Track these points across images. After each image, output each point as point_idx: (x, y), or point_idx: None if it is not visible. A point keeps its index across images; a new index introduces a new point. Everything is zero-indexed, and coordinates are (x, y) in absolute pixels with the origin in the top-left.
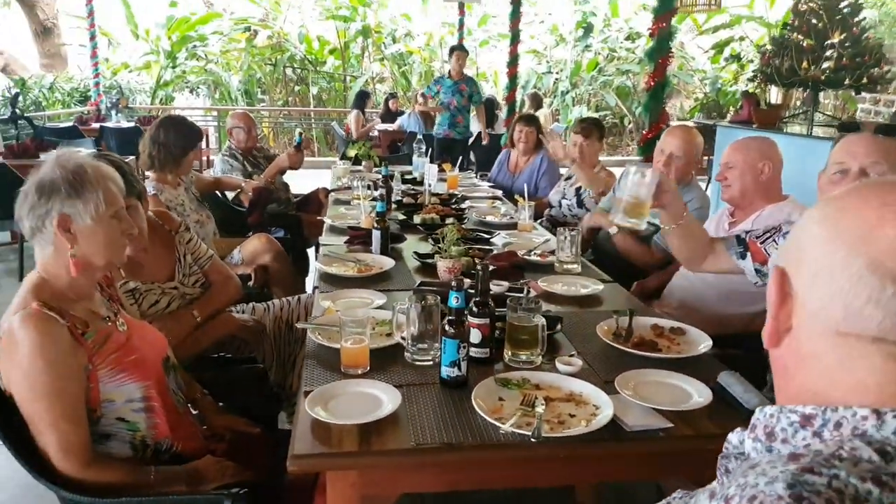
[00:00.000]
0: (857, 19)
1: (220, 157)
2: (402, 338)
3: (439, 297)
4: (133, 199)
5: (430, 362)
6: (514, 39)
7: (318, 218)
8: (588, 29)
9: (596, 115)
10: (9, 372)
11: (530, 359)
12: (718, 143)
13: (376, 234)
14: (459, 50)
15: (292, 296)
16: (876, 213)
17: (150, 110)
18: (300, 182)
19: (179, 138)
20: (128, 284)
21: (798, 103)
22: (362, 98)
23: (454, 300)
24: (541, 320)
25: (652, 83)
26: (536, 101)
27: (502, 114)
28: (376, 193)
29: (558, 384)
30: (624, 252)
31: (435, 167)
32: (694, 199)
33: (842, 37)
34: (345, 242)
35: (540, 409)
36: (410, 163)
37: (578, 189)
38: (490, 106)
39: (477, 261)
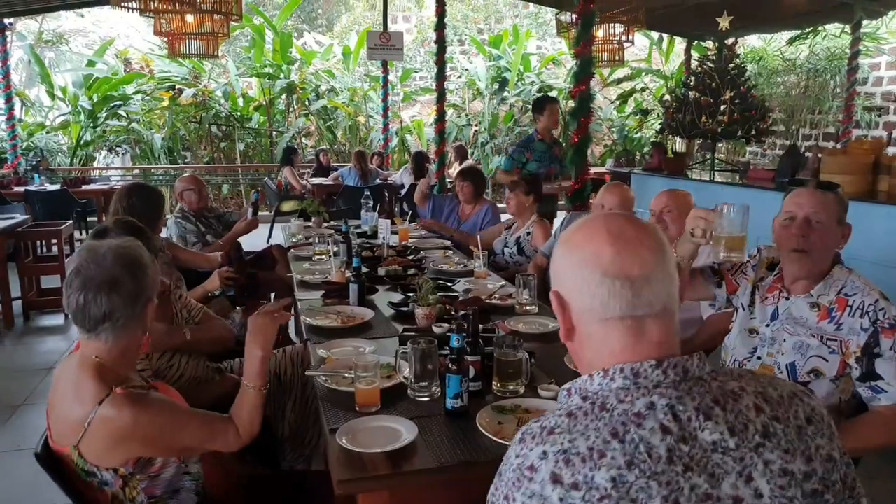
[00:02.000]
0: (743, 78)
1: (173, 220)
2: (405, 377)
3: (436, 342)
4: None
5: (430, 398)
6: (441, 97)
7: (287, 274)
8: (503, 83)
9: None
10: (117, 446)
11: (516, 388)
12: (634, 188)
13: (353, 287)
14: (552, 102)
15: (276, 349)
16: (595, 241)
17: (70, 171)
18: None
19: (149, 204)
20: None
21: (696, 150)
22: (290, 153)
23: (456, 341)
24: (524, 355)
25: (576, 139)
26: (461, 153)
27: (432, 166)
28: (334, 248)
29: (544, 407)
30: None
31: (388, 222)
32: None
33: (732, 94)
34: (322, 296)
35: None
36: (357, 216)
37: (518, 238)
38: (420, 159)
39: (448, 307)
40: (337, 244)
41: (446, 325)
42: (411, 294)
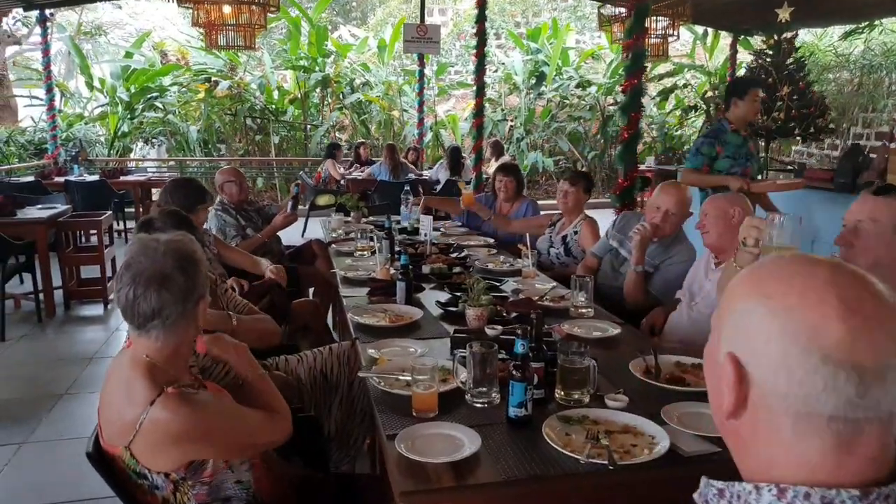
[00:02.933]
0: (801, 73)
1: (213, 213)
2: (462, 382)
3: (496, 346)
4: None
5: (488, 404)
6: (479, 92)
7: (331, 270)
8: (540, 77)
9: (570, 165)
10: (170, 449)
11: (581, 398)
12: None
13: (401, 286)
14: (755, 86)
15: (322, 346)
16: (818, 311)
17: (108, 162)
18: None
19: (193, 196)
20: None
21: None
22: (333, 149)
23: (520, 347)
24: (591, 362)
25: (626, 135)
26: (498, 149)
27: (468, 162)
28: (377, 244)
29: (613, 418)
30: (627, 292)
31: (430, 218)
32: (682, 251)
33: (789, 90)
34: (368, 294)
35: (605, 441)
36: (392, 212)
37: (565, 237)
38: (456, 155)
39: (499, 308)
40: (379, 240)
41: (499, 327)
42: (459, 294)
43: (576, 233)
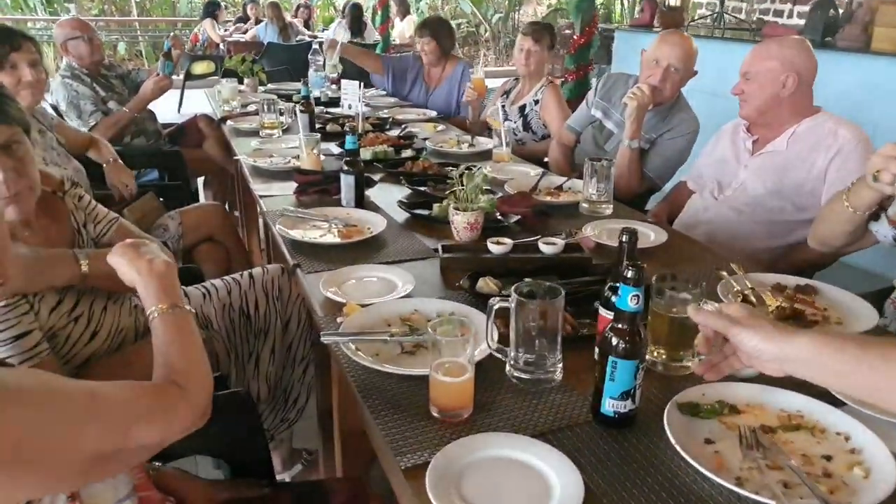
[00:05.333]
0: None
1: (60, 81)
2: (500, 348)
3: (561, 290)
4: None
5: (546, 381)
6: None
7: (233, 157)
8: None
9: (472, 29)
10: None
11: (685, 363)
12: (618, 50)
13: (348, 181)
14: None
15: (236, 273)
16: None
17: None
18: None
19: None
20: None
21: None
22: (213, 7)
23: (631, 300)
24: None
25: None
26: (404, 7)
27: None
28: (288, 119)
29: (759, 400)
30: (617, 174)
31: (357, 84)
32: (685, 121)
33: None
34: (295, 192)
35: (790, 461)
36: (295, 79)
37: (523, 108)
38: (356, 13)
39: (501, 215)
40: (292, 114)
41: (507, 241)
42: (424, 188)
43: (536, 102)
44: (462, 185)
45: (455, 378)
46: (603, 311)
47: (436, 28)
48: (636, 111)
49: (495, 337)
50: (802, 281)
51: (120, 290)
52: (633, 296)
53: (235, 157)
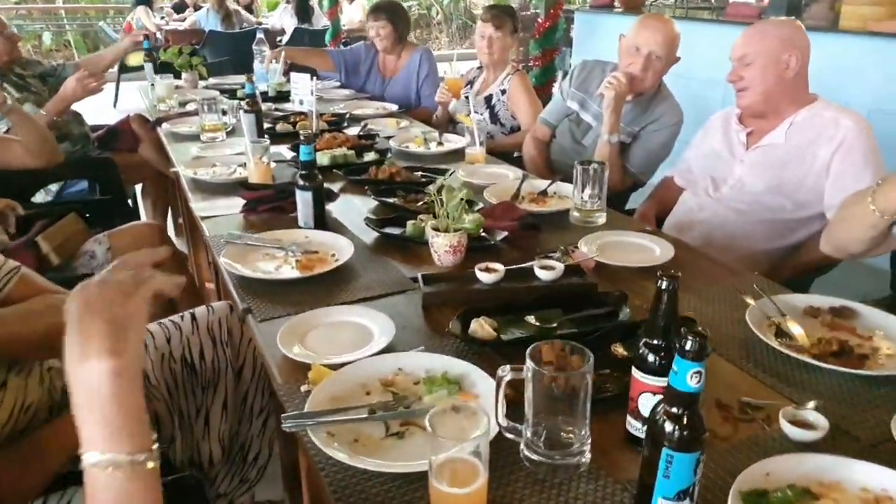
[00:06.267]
0: None
1: None
2: (512, 427)
3: (589, 353)
4: None
5: (574, 466)
6: None
7: (171, 169)
8: None
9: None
10: None
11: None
12: (578, 32)
13: (305, 198)
14: None
15: (176, 313)
16: None
17: None
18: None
19: None
20: None
21: None
22: None
23: (692, 379)
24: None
25: None
26: None
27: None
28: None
29: (834, 477)
30: None
31: (308, 77)
32: (669, 111)
33: None
34: (242, 210)
35: None
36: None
37: (489, 98)
38: None
39: (485, 231)
40: (235, 112)
41: (498, 267)
42: (393, 199)
43: (503, 92)
44: (441, 203)
45: (464, 489)
46: (638, 375)
47: (392, 11)
48: (614, 101)
49: (504, 412)
50: (837, 302)
51: (26, 356)
52: (694, 373)
53: (173, 170)
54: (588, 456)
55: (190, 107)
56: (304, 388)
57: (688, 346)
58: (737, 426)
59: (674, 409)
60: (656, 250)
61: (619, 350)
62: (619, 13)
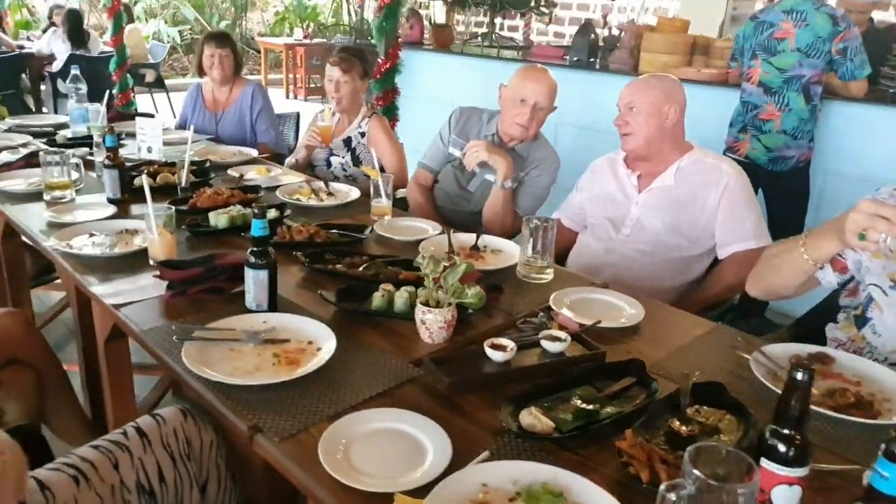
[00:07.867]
0: None
1: None
2: None
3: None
4: None
5: None
6: None
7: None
8: None
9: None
10: None
11: None
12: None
13: (259, 279)
14: None
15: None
16: None
17: None
18: None
19: None
20: None
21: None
22: None
23: None
24: None
25: (387, 0)
26: (129, 12)
27: (96, 34)
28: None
29: None
30: (490, 218)
31: (154, 122)
32: (549, 157)
33: None
34: (167, 297)
35: None
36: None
37: (348, 141)
38: (76, 19)
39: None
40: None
41: (509, 344)
42: (327, 266)
43: (362, 134)
44: (428, 273)
45: None
46: (773, 467)
47: (230, 40)
48: (491, 153)
49: None
50: (813, 349)
51: None
52: None
53: (53, 248)
54: None
55: (7, 158)
56: None
57: None
58: (829, 497)
59: None
60: (625, 308)
61: (677, 425)
62: (430, 50)
